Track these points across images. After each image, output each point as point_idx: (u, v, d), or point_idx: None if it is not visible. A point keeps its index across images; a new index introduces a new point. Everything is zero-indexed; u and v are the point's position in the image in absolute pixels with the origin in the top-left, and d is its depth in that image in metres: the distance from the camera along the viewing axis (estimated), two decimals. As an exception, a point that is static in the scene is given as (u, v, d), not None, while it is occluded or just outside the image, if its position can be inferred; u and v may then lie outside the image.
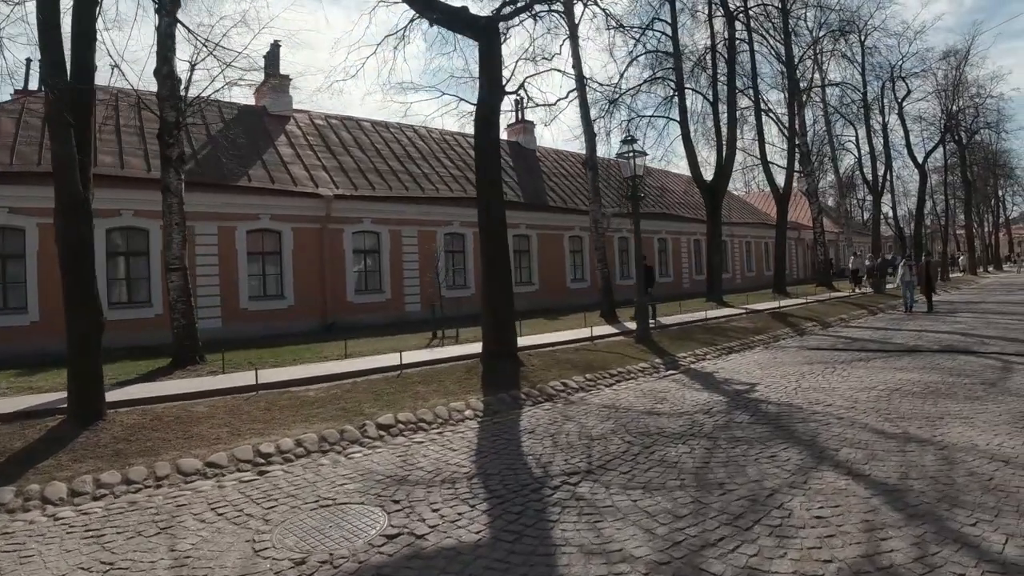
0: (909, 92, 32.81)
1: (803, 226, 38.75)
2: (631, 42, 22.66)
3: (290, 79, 23.98)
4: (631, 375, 11.40)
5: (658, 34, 23.22)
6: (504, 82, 13.33)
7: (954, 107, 33.69)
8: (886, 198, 39.13)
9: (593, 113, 22.37)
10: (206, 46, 11.98)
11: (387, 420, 7.96)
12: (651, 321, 16.40)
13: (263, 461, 6.66)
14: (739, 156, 31.13)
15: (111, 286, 17.05)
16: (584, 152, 21.27)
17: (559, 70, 29.68)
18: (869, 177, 34.09)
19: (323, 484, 5.94)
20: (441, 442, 7.36)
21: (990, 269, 50.58)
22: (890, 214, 37.82)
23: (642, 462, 6.20)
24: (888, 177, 34.75)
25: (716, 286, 23.48)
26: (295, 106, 24.41)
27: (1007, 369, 9.93)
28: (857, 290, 28.21)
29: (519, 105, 29.86)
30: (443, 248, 22.27)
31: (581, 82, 19.92)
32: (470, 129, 13.24)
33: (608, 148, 23.60)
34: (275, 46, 23.74)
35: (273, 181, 20.16)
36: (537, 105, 16.56)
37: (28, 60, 19.88)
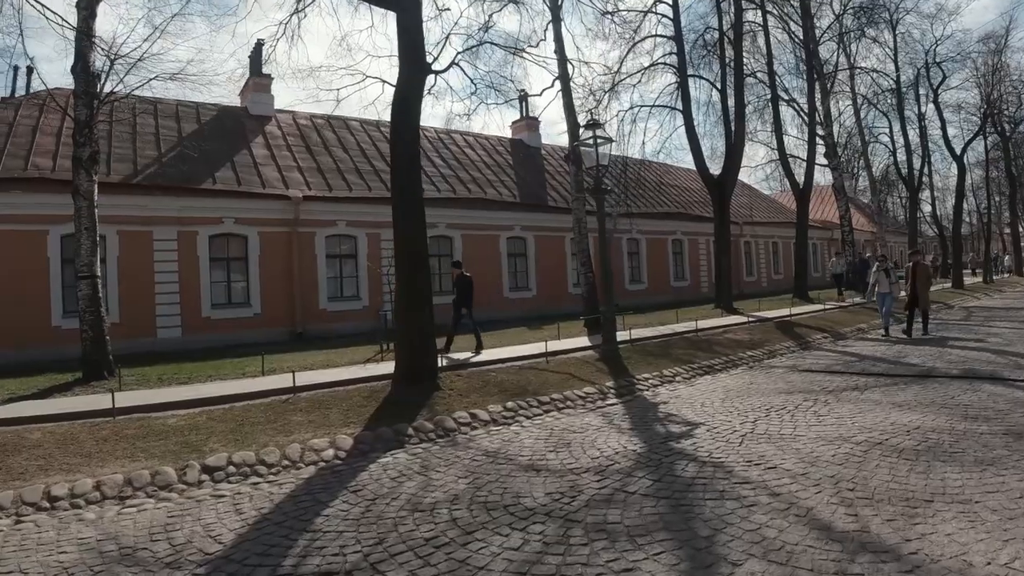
0: (945, 78, 28.93)
1: (835, 225, 35.06)
2: (630, 28, 19.91)
3: (272, 79, 22.11)
4: (565, 404, 9.03)
5: (659, 17, 20.49)
6: (431, 60, 11.07)
7: (994, 94, 29.46)
8: (926, 195, 35.29)
9: (588, 103, 19.91)
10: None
11: (218, 461, 6.45)
12: (627, 333, 13.78)
13: (48, 505, 5.54)
14: (762, 150, 28.09)
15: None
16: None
17: (532, 57, 26.82)
18: (904, 172, 30.36)
19: (44, 550, 4.61)
20: (245, 496, 5.73)
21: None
22: (929, 211, 34.00)
23: (435, 563, 4.01)
24: (926, 171, 31.05)
25: (725, 291, 20.55)
26: (284, 107, 22.67)
27: (1044, 408, 7.07)
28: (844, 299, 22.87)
29: (523, 103, 27.46)
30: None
31: (564, 68, 17.44)
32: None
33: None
34: (258, 45, 21.91)
35: (240, 183, 18.34)
36: (493, 88, 14.07)
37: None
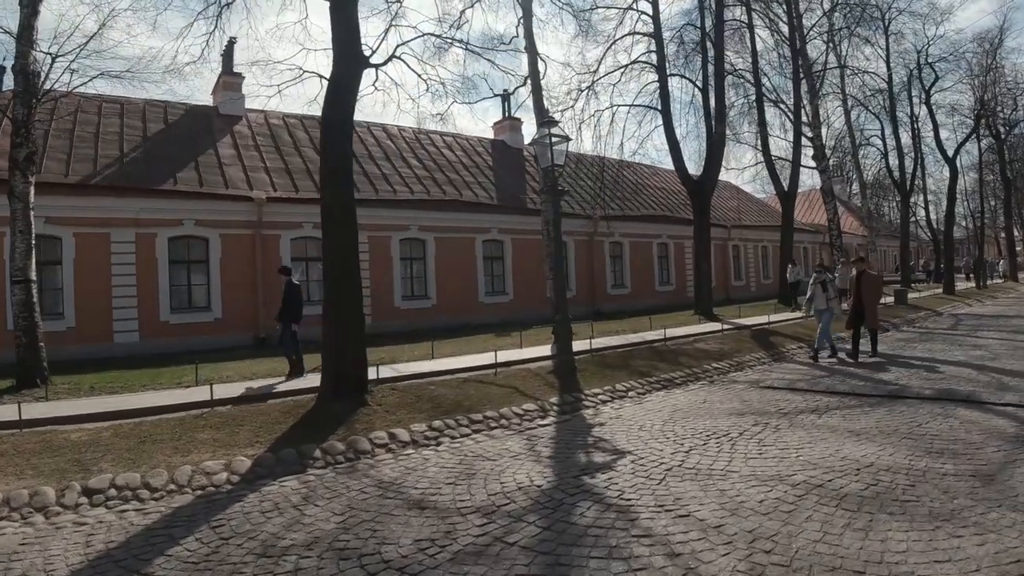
0: (937, 79, 27.53)
1: (826, 228, 33.88)
2: (610, 25, 18.89)
3: (243, 77, 21.20)
4: (498, 423, 8.07)
5: (639, 14, 19.45)
6: (370, 52, 10.08)
7: (987, 95, 28.02)
8: (920, 199, 34.01)
9: (561, 103, 18.97)
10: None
11: (100, 483, 5.85)
12: (587, 342, 12.76)
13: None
14: (750, 153, 26.97)
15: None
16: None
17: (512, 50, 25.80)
18: (896, 175, 29.12)
19: None
20: (104, 526, 5.11)
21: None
22: (923, 215, 32.70)
23: None
24: (919, 175, 29.73)
25: (704, 297, 19.44)
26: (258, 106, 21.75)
27: (1021, 440, 5.98)
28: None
29: (505, 103, 26.47)
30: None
31: (535, 66, 16.43)
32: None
33: (579, 144, 19.94)
34: (230, 43, 21.05)
35: (203, 184, 17.44)
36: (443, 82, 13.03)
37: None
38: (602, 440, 6.95)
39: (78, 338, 15.29)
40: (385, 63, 10.45)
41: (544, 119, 11.35)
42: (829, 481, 5.09)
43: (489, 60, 13.83)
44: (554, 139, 11.32)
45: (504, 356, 12.19)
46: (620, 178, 21.22)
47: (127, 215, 16.08)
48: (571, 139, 11.85)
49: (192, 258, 17.19)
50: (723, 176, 32.35)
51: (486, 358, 11.56)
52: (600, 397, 9.36)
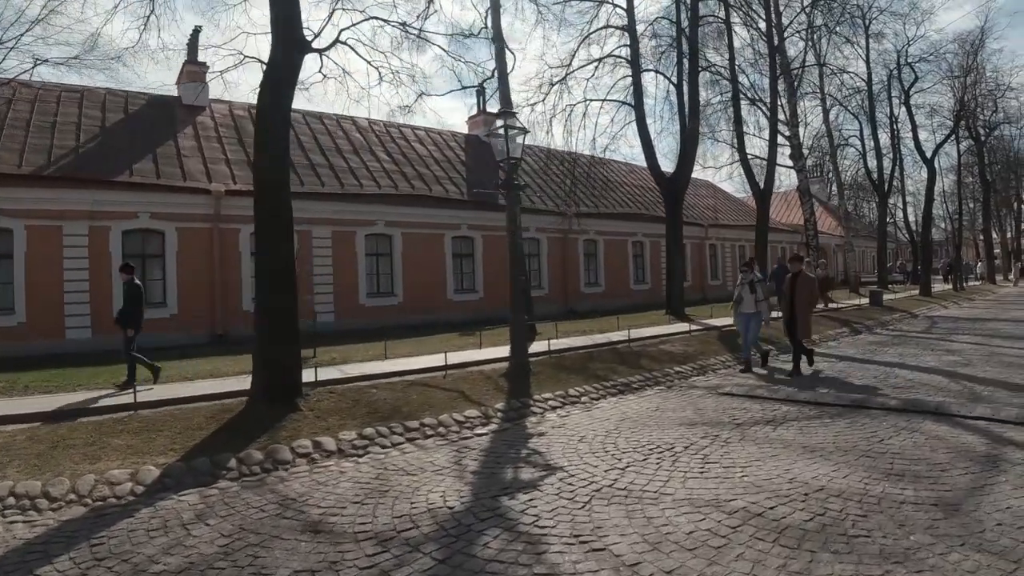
0: (917, 79, 27.00)
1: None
2: (584, 19, 18.22)
3: (207, 67, 20.27)
4: (434, 431, 7.43)
5: (613, 7, 18.78)
6: (313, 36, 9.35)
7: (967, 96, 27.47)
8: (899, 200, 33.56)
9: (533, 97, 18.29)
10: None
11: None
12: (546, 343, 12.10)
13: None
14: (727, 151, 26.41)
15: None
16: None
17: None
18: (875, 176, 28.63)
19: None
20: None
21: (1010, 278, 42.69)
22: (901, 216, 32.30)
23: None
24: (896, 175, 29.27)
25: (676, 296, 18.80)
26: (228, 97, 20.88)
27: (992, 460, 5.33)
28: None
29: (480, 97, 25.71)
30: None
31: (502, 58, 15.71)
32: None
33: (550, 137, 19.24)
34: (195, 32, 20.19)
35: (160, 175, 16.61)
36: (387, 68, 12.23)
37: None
38: (536, 453, 6.26)
39: (29, 334, 14.53)
40: (328, 48, 9.71)
41: (503, 110, 10.64)
42: (771, 509, 4.42)
43: (442, 48, 13.08)
44: (512, 131, 10.67)
45: (461, 357, 11.56)
46: (594, 174, 20.55)
47: (80, 207, 15.30)
48: (529, 131, 11.18)
49: (148, 252, 16.40)
50: (700, 175, 31.79)
51: (440, 359, 10.87)
52: (550, 403, 8.68)
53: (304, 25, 9.31)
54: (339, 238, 18.48)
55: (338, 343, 14.39)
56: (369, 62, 10.63)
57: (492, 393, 8.99)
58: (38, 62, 10.82)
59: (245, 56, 10.24)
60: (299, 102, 10.32)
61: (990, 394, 8.00)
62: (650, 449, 6.11)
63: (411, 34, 11.07)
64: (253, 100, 10.06)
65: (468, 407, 8.23)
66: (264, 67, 8.89)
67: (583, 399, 8.97)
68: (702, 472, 5.31)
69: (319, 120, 21.72)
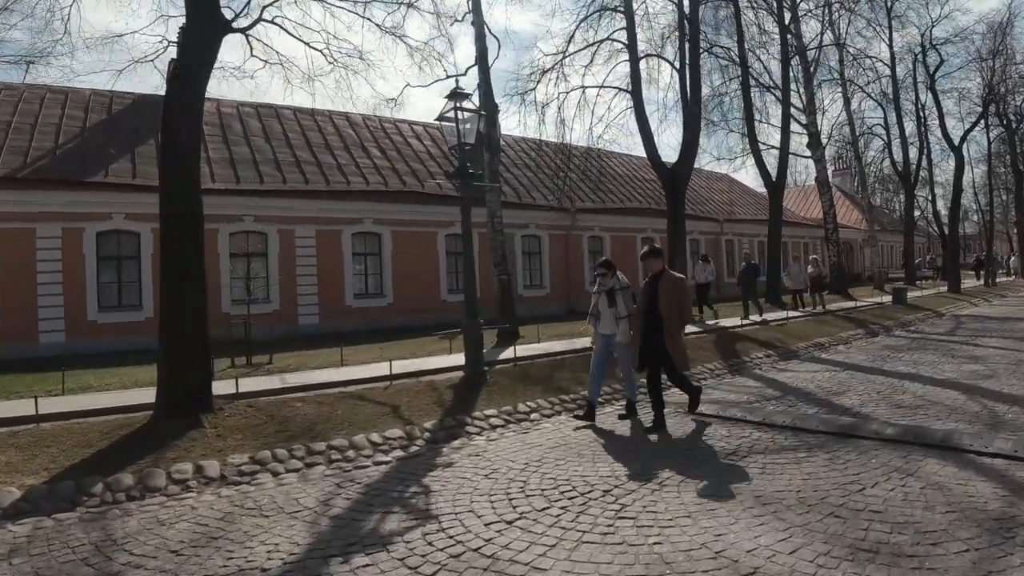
0: (943, 62, 24.76)
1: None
2: (579, 3, 16.77)
3: (194, 63, 19.41)
4: (342, 454, 6.21)
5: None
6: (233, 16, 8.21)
7: (995, 80, 24.98)
8: (927, 192, 31.14)
9: (529, 84, 17.00)
10: None
11: None
12: (511, 350, 10.75)
13: None
14: (742, 143, 24.51)
15: None
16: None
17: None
18: (900, 166, 26.40)
19: None
20: None
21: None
22: (930, 208, 29.83)
23: None
24: (924, 165, 26.97)
25: (678, 295, 17.09)
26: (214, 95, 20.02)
27: (1007, 526, 3.77)
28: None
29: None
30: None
31: (483, 42, 14.46)
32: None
33: (543, 128, 17.90)
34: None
35: (135, 175, 15.80)
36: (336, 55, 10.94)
37: None
38: (424, 493, 4.92)
39: (1, 338, 13.85)
40: (251, 27, 8.53)
41: (454, 90, 9.31)
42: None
43: (392, 34, 11.71)
44: (465, 114, 9.36)
45: (420, 364, 10.40)
46: (598, 167, 19.07)
47: (53, 209, 14.69)
48: (484, 114, 9.87)
49: (123, 254, 15.61)
50: (718, 168, 29.93)
51: (396, 366, 9.62)
52: (491, 420, 7.34)
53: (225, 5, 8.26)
54: (324, 237, 17.41)
55: (315, 346, 13.48)
56: (307, 43, 9.41)
57: (429, 408, 7.70)
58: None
59: (170, 42, 9.19)
60: (237, 93, 9.21)
61: (1014, 418, 6.35)
62: (563, 492, 4.71)
63: (355, 12, 9.79)
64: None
65: (393, 425, 6.98)
66: (176, 50, 7.88)
67: (532, 416, 7.60)
68: (604, 534, 3.88)
69: (310, 116, 20.69)
